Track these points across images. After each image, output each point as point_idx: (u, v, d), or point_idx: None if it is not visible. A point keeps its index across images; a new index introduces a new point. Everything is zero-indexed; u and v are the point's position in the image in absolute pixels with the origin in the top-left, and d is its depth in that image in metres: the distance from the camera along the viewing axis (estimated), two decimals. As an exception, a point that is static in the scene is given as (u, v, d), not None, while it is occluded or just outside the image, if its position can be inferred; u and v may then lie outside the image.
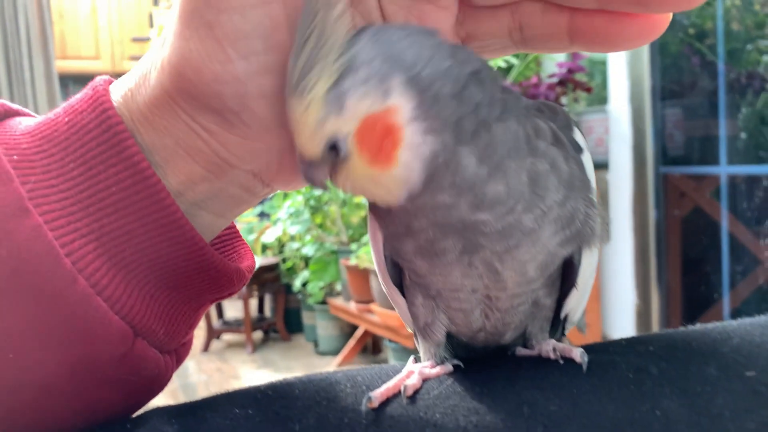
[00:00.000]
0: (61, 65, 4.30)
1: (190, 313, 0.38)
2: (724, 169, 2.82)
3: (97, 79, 0.36)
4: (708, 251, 2.93)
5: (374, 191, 0.34)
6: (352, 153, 0.32)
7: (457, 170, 0.32)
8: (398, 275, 0.39)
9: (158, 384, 0.38)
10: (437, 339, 0.39)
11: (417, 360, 0.40)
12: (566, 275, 0.38)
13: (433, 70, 0.32)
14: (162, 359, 0.37)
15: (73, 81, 5.28)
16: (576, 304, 0.40)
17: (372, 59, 0.31)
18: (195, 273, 0.36)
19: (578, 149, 0.37)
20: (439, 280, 0.36)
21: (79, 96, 0.35)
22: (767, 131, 2.71)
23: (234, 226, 0.44)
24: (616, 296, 3.12)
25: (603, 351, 0.37)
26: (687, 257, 3.10)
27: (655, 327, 3.05)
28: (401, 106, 0.31)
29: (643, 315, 3.06)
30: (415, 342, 0.42)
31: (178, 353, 0.40)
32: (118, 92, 0.35)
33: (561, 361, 0.37)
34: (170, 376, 0.39)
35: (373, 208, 0.37)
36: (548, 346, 0.38)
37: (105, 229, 0.33)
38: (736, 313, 2.82)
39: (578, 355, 0.36)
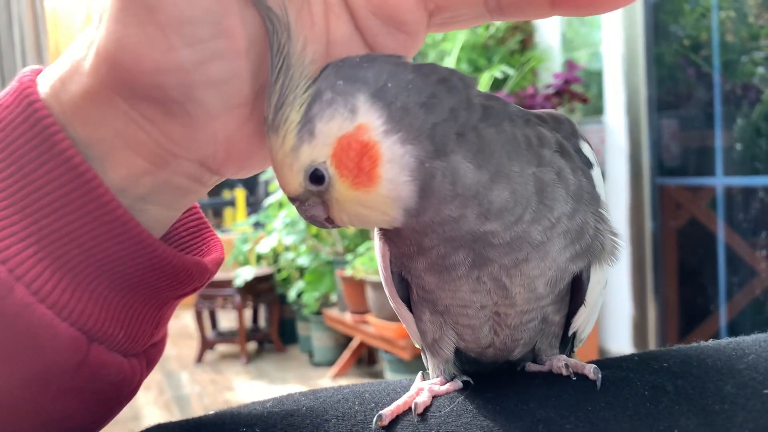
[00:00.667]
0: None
1: (151, 312, 0.36)
2: (720, 180, 2.82)
3: (25, 69, 0.33)
4: (704, 262, 2.93)
5: (368, 215, 0.33)
6: (334, 179, 0.32)
7: (456, 178, 0.31)
8: (405, 290, 0.38)
9: (127, 390, 0.36)
10: (445, 355, 0.38)
11: (425, 376, 0.39)
12: (575, 292, 0.37)
13: (396, 82, 0.31)
14: (126, 363, 0.34)
15: None
16: (585, 321, 0.39)
17: (335, 83, 0.31)
18: (147, 270, 0.33)
19: (588, 163, 0.36)
20: (447, 295, 0.36)
21: (6, 89, 0.33)
22: (763, 142, 2.72)
23: (201, 216, 0.41)
24: (612, 307, 3.11)
25: (615, 367, 0.37)
26: (683, 268, 3.10)
27: (652, 338, 3.05)
28: (371, 121, 0.31)
29: (639, 326, 3.06)
30: (423, 358, 0.42)
31: (148, 355, 0.37)
32: (47, 82, 0.32)
33: (573, 378, 0.36)
34: (140, 380, 0.37)
35: (383, 231, 0.36)
36: (559, 362, 0.37)
37: (44, 231, 0.31)
38: (732, 324, 2.82)
39: (591, 371, 0.35)
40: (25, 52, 4.01)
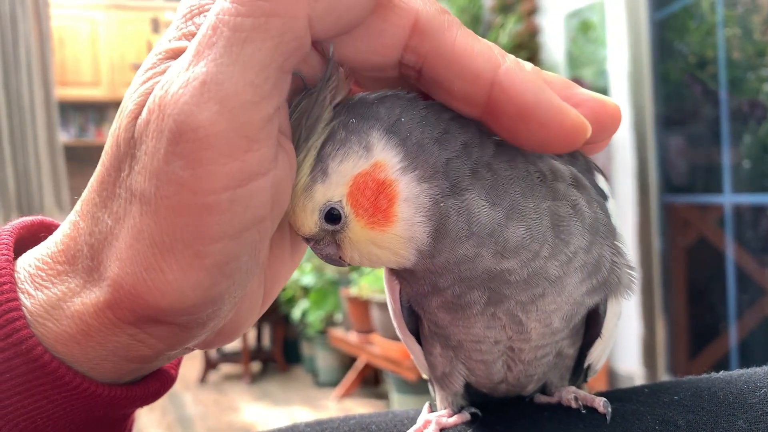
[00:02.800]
0: (61, 92, 4.31)
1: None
2: (728, 198, 2.80)
3: (3, 231, 0.32)
4: (713, 281, 2.90)
5: (381, 255, 0.32)
6: (350, 218, 0.31)
7: (470, 217, 0.30)
8: (415, 323, 0.38)
9: None
10: (455, 389, 0.38)
11: (432, 407, 0.39)
12: (590, 324, 0.37)
13: (409, 117, 0.31)
14: None
15: (72, 108, 5.30)
16: (600, 354, 0.39)
17: (347, 122, 0.30)
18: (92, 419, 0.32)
19: (603, 195, 0.35)
20: (460, 331, 0.35)
21: None
22: (771, 160, 2.69)
23: None
24: (621, 327, 3.05)
25: (626, 400, 0.36)
26: (692, 287, 3.07)
27: (661, 358, 3.02)
28: (388, 158, 0.30)
29: (648, 346, 3.03)
30: (431, 388, 0.41)
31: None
32: (32, 294, 0.30)
33: (583, 410, 0.35)
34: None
35: (394, 270, 0.35)
36: (569, 395, 0.37)
37: (8, 409, 0.29)
38: (743, 344, 2.78)
39: (601, 405, 0.35)
40: (31, 70, 4.03)
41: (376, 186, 0.30)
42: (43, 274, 0.30)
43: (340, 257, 0.33)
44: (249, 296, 0.31)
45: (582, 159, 0.36)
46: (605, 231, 0.34)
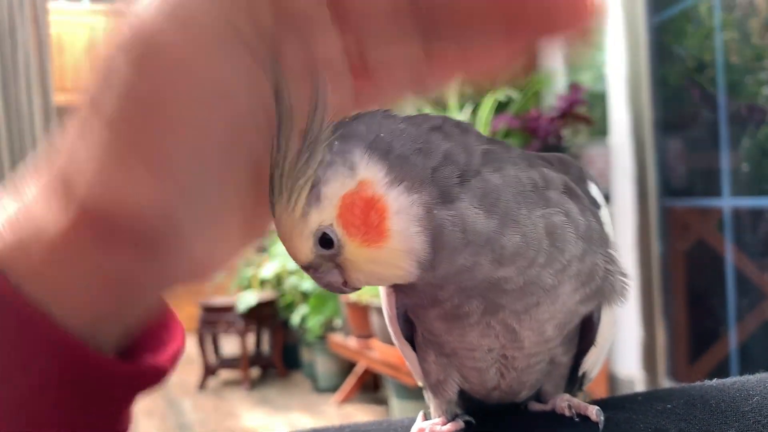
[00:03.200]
0: (60, 98, 4.31)
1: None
2: (727, 202, 2.80)
3: None
4: (713, 284, 2.90)
5: (383, 273, 0.32)
6: (344, 240, 0.31)
7: (465, 226, 0.30)
8: (410, 330, 0.38)
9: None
10: (449, 396, 0.38)
11: (427, 415, 0.39)
12: (584, 332, 0.37)
13: (388, 131, 0.31)
14: None
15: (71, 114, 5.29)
16: (594, 361, 0.39)
17: (333, 144, 0.31)
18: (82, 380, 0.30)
19: (595, 204, 0.35)
20: (455, 339, 0.35)
21: None
22: (770, 163, 2.69)
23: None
24: (621, 330, 3.08)
25: (619, 407, 0.36)
26: (692, 290, 3.07)
27: (661, 361, 3.01)
28: (372, 175, 0.30)
29: (648, 349, 3.02)
30: (425, 396, 0.41)
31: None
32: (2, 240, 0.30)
33: (576, 419, 0.36)
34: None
35: (394, 285, 0.35)
36: (562, 402, 0.37)
37: None
38: (743, 348, 2.78)
39: (594, 413, 0.35)
40: (29, 77, 4.03)
41: (364, 204, 0.30)
42: (17, 219, 0.30)
43: (344, 283, 0.33)
44: (222, 227, 0.31)
45: (575, 167, 0.36)
46: (598, 239, 0.34)
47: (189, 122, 0.28)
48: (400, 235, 0.30)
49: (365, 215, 0.30)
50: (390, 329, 0.39)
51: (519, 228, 0.31)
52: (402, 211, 0.30)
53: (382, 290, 0.38)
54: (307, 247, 0.31)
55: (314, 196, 0.30)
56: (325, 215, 0.31)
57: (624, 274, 0.36)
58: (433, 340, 0.36)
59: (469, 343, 0.35)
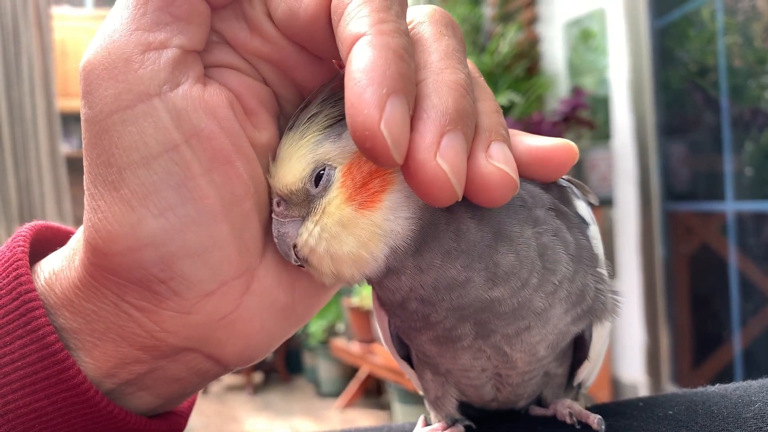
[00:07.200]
0: (63, 104, 4.32)
1: None
2: (730, 206, 2.79)
3: (22, 228, 0.34)
4: (717, 289, 2.89)
5: (343, 243, 0.30)
6: (335, 186, 0.30)
7: (459, 232, 0.30)
8: (406, 349, 0.38)
9: None
10: (448, 411, 0.38)
11: (427, 420, 0.39)
12: (577, 346, 0.37)
13: None
14: None
15: (74, 119, 5.31)
16: (588, 373, 0.39)
17: None
18: None
19: (584, 222, 0.35)
20: (448, 361, 0.35)
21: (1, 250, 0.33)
22: (773, 167, 2.69)
23: None
24: (624, 335, 3.07)
25: (620, 414, 0.36)
26: (696, 295, 3.06)
27: (665, 366, 3.00)
28: None
29: (652, 354, 3.01)
30: (426, 404, 0.41)
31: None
32: (45, 269, 0.32)
33: (577, 426, 0.36)
34: None
35: (384, 303, 0.35)
36: (563, 408, 0.37)
37: (10, 406, 0.30)
38: (747, 352, 2.76)
39: (596, 422, 0.35)
40: (33, 82, 4.04)
41: (375, 168, 0.30)
42: (56, 267, 0.32)
43: (294, 246, 0.32)
44: (225, 265, 0.30)
45: (555, 188, 0.34)
46: (588, 258, 0.33)
47: (123, 130, 0.28)
48: (389, 212, 0.30)
49: (369, 178, 0.30)
50: (386, 348, 0.39)
51: (512, 245, 0.30)
52: (404, 191, 0.30)
53: (376, 313, 0.37)
54: (300, 170, 0.31)
55: (336, 132, 0.30)
56: (336, 155, 0.30)
57: (614, 292, 0.35)
58: (427, 361, 0.36)
59: (462, 365, 0.34)
